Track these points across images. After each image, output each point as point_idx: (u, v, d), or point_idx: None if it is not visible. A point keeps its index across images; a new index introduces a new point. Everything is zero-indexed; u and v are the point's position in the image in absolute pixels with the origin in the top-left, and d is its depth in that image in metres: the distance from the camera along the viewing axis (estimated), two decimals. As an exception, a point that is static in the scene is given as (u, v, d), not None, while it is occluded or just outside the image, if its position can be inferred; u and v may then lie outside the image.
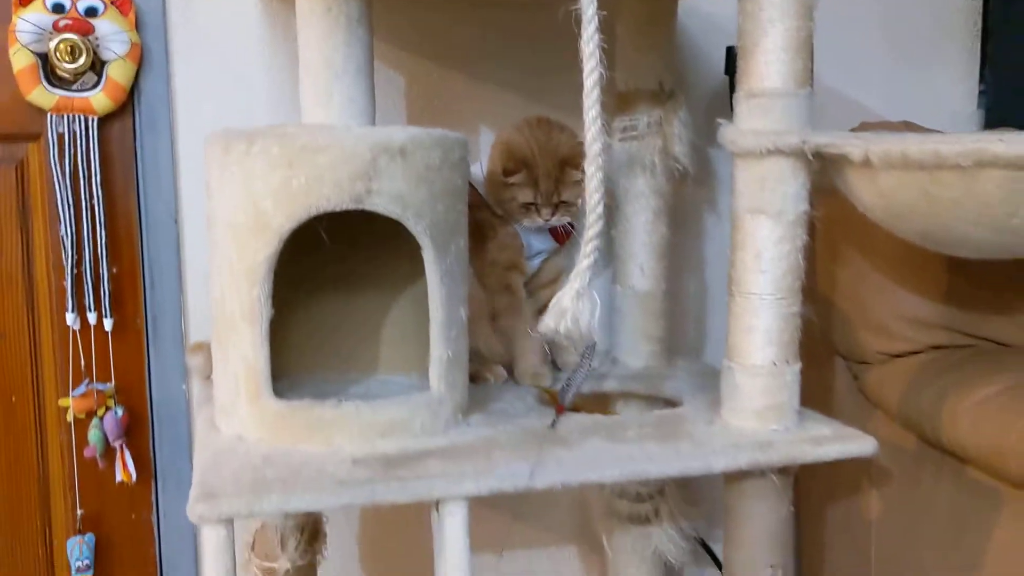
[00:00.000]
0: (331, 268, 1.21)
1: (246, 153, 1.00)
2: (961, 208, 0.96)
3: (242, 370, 1.04)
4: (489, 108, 1.46)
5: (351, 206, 1.00)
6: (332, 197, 0.99)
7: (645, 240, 1.37)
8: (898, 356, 1.35)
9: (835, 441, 1.07)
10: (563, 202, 1.25)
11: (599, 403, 1.30)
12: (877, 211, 1.04)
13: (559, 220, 1.26)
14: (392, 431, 1.05)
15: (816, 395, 1.53)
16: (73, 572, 1.35)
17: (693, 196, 1.56)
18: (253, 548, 1.15)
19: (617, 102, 1.38)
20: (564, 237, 1.31)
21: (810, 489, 1.61)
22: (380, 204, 1.01)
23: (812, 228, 1.50)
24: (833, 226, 1.45)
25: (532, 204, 1.24)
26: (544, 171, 1.24)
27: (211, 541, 0.89)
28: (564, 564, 1.60)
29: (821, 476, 1.55)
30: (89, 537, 1.36)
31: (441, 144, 1.05)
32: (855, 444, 1.07)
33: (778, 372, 1.08)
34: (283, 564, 1.14)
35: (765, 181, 1.05)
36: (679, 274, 1.55)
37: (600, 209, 1.01)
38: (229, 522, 0.90)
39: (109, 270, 1.32)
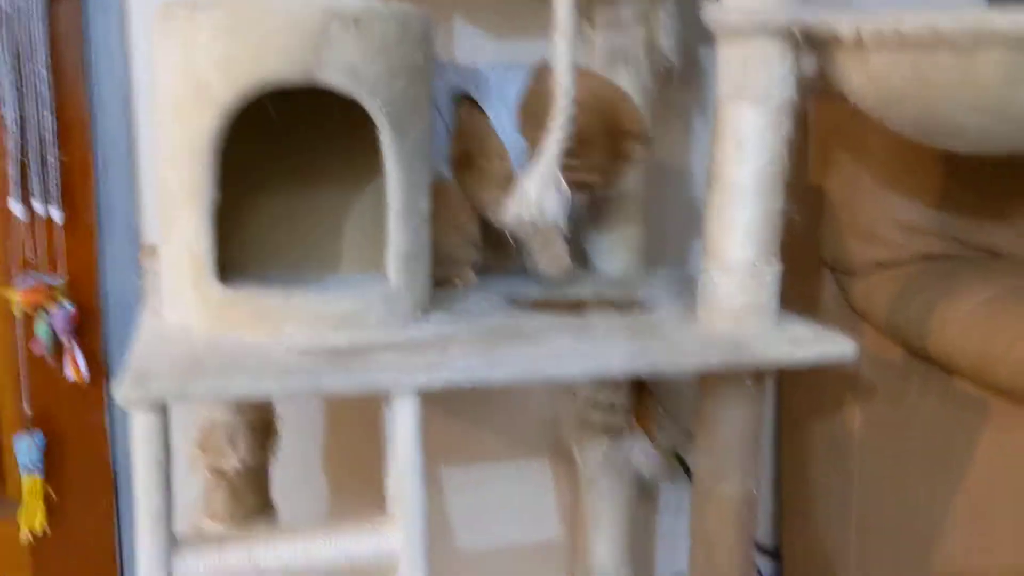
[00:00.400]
0: (292, 161, 1.15)
1: (188, 19, 0.93)
2: (957, 93, 0.89)
3: (186, 255, 0.98)
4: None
5: (301, 78, 0.92)
6: (280, 68, 0.92)
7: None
8: (887, 265, 1.29)
9: (814, 343, 1.01)
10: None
11: (571, 308, 1.24)
12: (868, 98, 0.97)
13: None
14: (345, 324, 0.99)
15: (802, 309, 1.47)
16: (22, 469, 1.30)
17: (680, 96, 1.47)
18: (202, 447, 1.10)
19: (598, -9, 1.29)
20: None
21: (793, 405, 1.56)
22: (332, 77, 0.93)
23: (804, 134, 1.44)
24: (825, 131, 1.38)
25: (588, 185, 1.12)
26: (604, 147, 1.11)
27: (140, 428, 0.83)
28: (535, 477, 1.56)
29: (804, 391, 1.51)
30: (38, 435, 1.31)
31: (399, 18, 0.97)
32: (835, 347, 1.01)
33: (757, 271, 1.02)
34: (232, 463, 1.09)
35: (749, 63, 0.97)
36: (662, 180, 1.48)
37: (570, 84, 0.94)
38: (160, 408, 0.84)
39: (58, 157, 1.25)
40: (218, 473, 1.09)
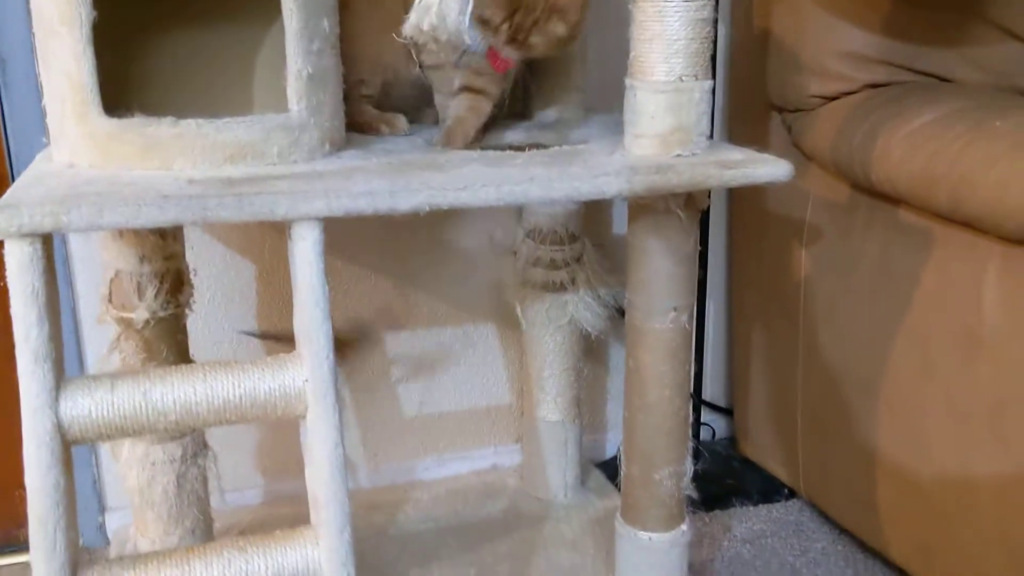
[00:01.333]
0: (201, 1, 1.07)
1: None
2: None
3: (66, 86, 0.90)
4: None
5: None
6: None
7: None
8: (833, 99, 1.22)
9: (744, 165, 0.95)
10: (526, 41, 1.01)
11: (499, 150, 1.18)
12: None
13: (509, 54, 1.03)
14: (243, 156, 0.93)
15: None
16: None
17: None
18: (110, 300, 1.05)
19: None
20: (502, 66, 1.07)
21: (742, 259, 1.52)
22: None
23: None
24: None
25: (487, 22, 0.98)
26: (526, 6, 0.99)
27: (13, 258, 0.78)
28: (480, 341, 1.52)
29: (753, 244, 1.46)
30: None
31: None
32: (767, 168, 0.96)
33: (685, 88, 0.95)
34: (141, 314, 1.03)
35: None
36: (604, 21, 1.39)
37: None
38: (35, 238, 0.78)
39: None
40: (126, 324, 1.03)
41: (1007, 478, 1.00)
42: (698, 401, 1.60)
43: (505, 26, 0.99)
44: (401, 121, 1.15)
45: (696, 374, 1.58)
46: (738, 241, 1.53)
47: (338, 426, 0.85)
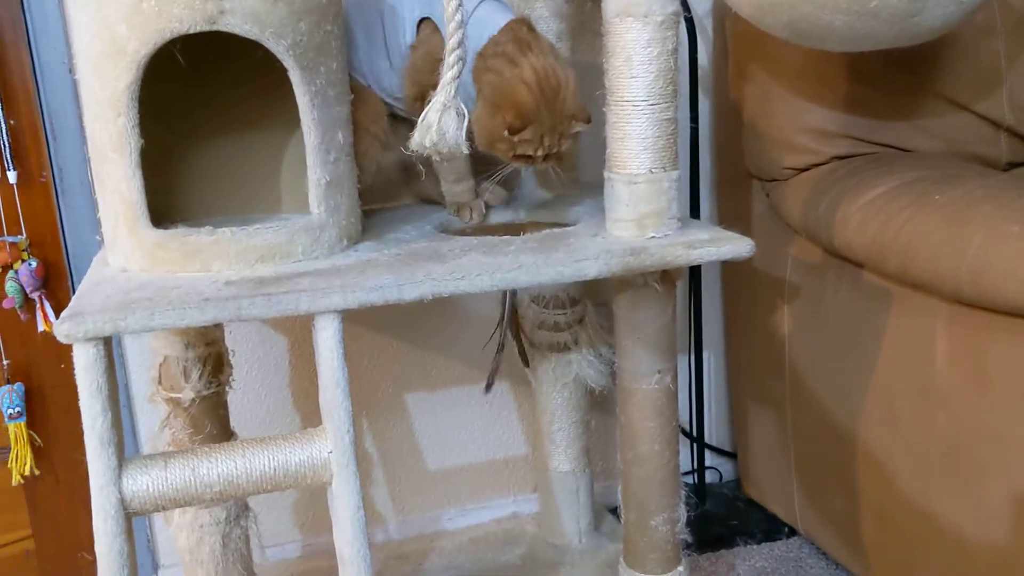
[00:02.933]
0: (232, 111, 1.21)
1: (97, -21, 0.99)
2: (820, -6, 0.94)
3: (119, 203, 1.05)
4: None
5: (205, 27, 0.98)
6: (185, 18, 0.98)
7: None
8: (804, 170, 1.35)
9: (710, 244, 1.07)
10: (558, 152, 1.17)
11: (504, 233, 1.31)
12: (744, 7, 1.02)
13: (546, 165, 1.19)
14: (271, 256, 1.07)
15: (736, 219, 1.54)
16: (6, 419, 1.39)
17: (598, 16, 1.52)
18: (160, 382, 1.19)
19: (511, -77, 1.33)
20: None
21: (736, 314, 1.63)
22: (235, 24, 0.99)
23: (724, 51, 1.49)
24: (741, 47, 1.43)
25: (530, 157, 1.15)
26: (550, 127, 1.13)
27: (80, 359, 0.92)
28: (496, 398, 1.64)
29: (744, 301, 1.58)
30: (18, 386, 1.40)
31: (299, -38, 1.03)
32: (730, 246, 1.08)
33: (655, 179, 1.08)
34: (188, 394, 1.17)
35: (631, -18, 1.02)
36: (591, 101, 1.53)
37: (459, 17, 0.99)
38: (98, 341, 0.92)
39: (7, 122, 1.32)
40: (175, 403, 1.17)
41: (963, 511, 1.10)
42: (702, 445, 1.71)
43: (541, 154, 1.14)
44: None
45: (698, 420, 1.69)
46: (730, 298, 1.65)
47: (359, 492, 0.98)
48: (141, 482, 0.95)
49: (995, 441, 1.05)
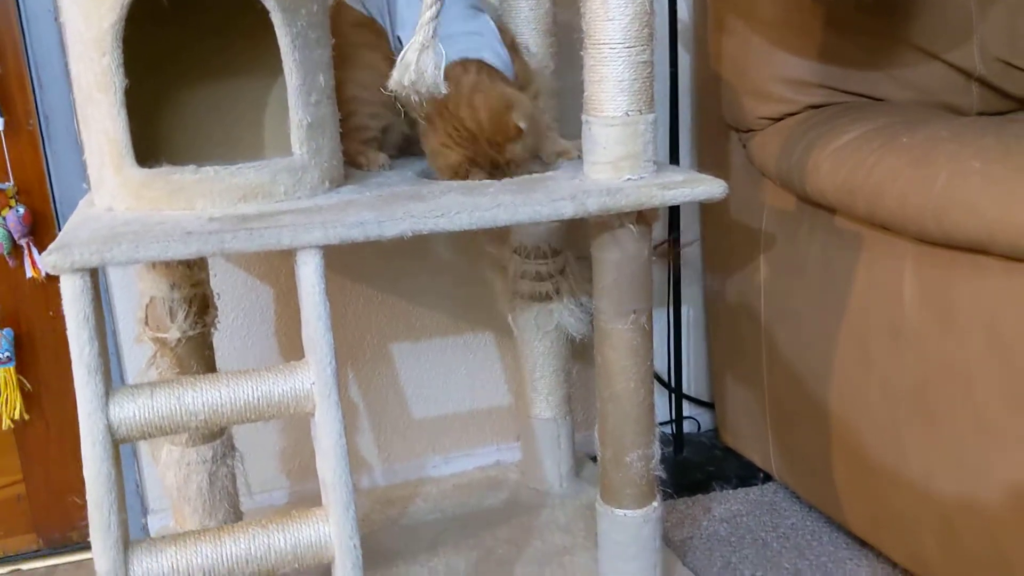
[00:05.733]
0: (213, 51, 1.23)
1: (83, -81, 1.00)
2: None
3: (104, 142, 1.07)
4: None
5: (188, -32, 1.01)
6: (168, -43, 1.00)
7: (528, 15, 1.37)
8: (778, 119, 1.37)
9: (684, 185, 1.10)
10: (509, 162, 1.19)
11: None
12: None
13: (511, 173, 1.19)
14: (254, 195, 1.09)
15: (715, 170, 1.57)
16: (-6, 364, 1.42)
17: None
18: (146, 322, 1.21)
19: None
20: None
21: (714, 266, 1.66)
22: (218, -36, 1.01)
23: (703, 2, 1.51)
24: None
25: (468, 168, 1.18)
26: (484, 149, 1.17)
27: (68, 290, 0.94)
28: (479, 348, 1.67)
29: (722, 253, 1.60)
30: (7, 331, 1.42)
31: (281, -98, 1.04)
32: (704, 187, 1.10)
33: (631, 121, 1.10)
34: (173, 334, 1.19)
35: (606, -75, 1.04)
36: (571, 55, 1.54)
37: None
38: (84, 272, 0.94)
39: (-6, 71, 1.34)
40: (161, 343, 1.20)
41: (931, 448, 1.14)
42: (680, 396, 1.74)
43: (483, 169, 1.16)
44: (380, 157, 1.29)
45: (677, 371, 1.73)
46: (708, 248, 1.67)
47: (341, 420, 1.01)
48: (128, 409, 0.97)
49: (961, 376, 1.09)
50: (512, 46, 1.28)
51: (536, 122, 1.20)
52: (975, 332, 1.06)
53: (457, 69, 1.17)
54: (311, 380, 1.01)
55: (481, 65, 1.20)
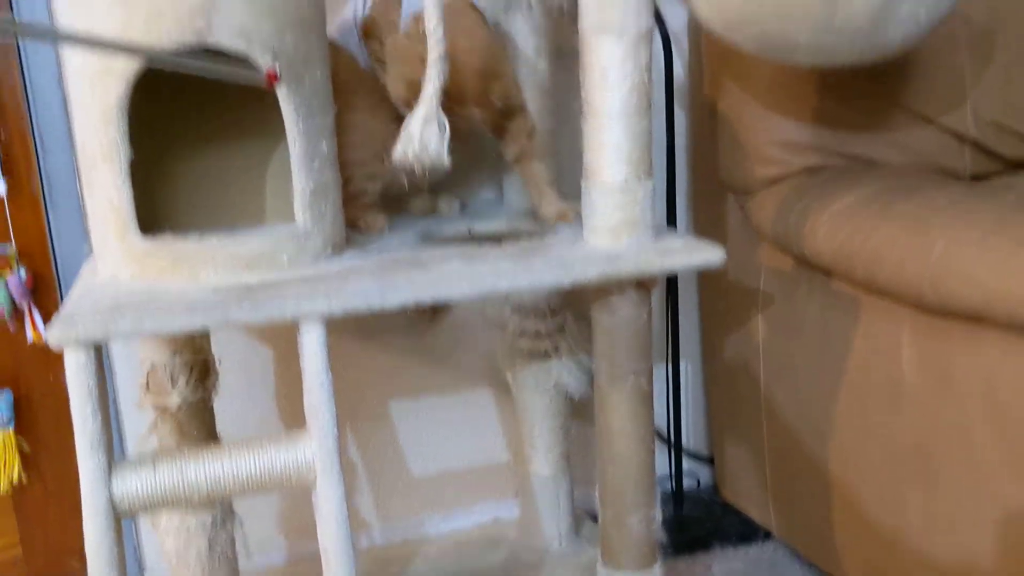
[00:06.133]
0: (215, 119, 1.24)
1: (88, -5, 1.02)
2: (785, 12, 0.99)
3: (108, 211, 1.08)
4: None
5: (195, 42, 1.02)
6: (173, 34, 1.01)
7: (526, 75, 1.39)
8: (775, 182, 1.39)
9: (683, 253, 1.11)
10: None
11: (479, 242, 1.34)
12: (715, 23, 1.06)
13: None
14: (257, 264, 1.09)
15: (711, 230, 1.58)
16: (-7, 427, 1.42)
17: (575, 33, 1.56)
18: (147, 388, 1.21)
19: (493, -59, 1.38)
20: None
21: (712, 322, 1.67)
22: (223, 39, 1.02)
23: (699, 64, 1.54)
24: (715, 60, 1.47)
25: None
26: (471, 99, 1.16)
27: (71, 364, 0.94)
28: (478, 406, 1.67)
29: (720, 310, 1.61)
30: (7, 393, 1.42)
31: (285, -22, 1.06)
32: (702, 255, 1.11)
33: (629, 188, 1.11)
34: (174, 400, 1.20)
35: (605, -2, 1.06)
36: (569, 114, 1.57)
37: (440, 32, 1.03)
38: (88, 346, 0.95)
39: (-2, 135, 1.35)
40: (162, 409, 1.20)
41: (931, 510, 1.14)
42: (679, 451, 1.74)
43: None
44: (379, 222, 1.30)
45: (676, 426, 1.73)
46: (706, 307, 1.68)
47: (342, 491, 1.01)
48: (131, 483, 0.97)
49: (960, 441, 1.09)
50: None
51: (511, 99, 1.19)
52: (974, 398, 1.06)
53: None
54: (313, 451, 1.01)
55: (473, 8, 1.19)
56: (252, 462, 1.01)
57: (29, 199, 1.40)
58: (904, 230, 1.09)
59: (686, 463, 1.79)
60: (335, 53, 1.27)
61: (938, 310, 1.06)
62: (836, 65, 1.09)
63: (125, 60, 1.01)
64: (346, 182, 1.23)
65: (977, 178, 1.41)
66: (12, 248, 1.39)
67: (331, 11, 1.20)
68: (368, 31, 1.27)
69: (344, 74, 1.29)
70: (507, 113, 1.25)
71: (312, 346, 1.01)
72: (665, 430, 1.75)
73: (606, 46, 1.07)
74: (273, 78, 1.02)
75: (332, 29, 1.31)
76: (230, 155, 1.26)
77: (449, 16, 1.12)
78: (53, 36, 0.65)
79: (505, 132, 1.29)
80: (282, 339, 1.53)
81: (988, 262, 0.98)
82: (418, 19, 1.14)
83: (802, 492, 1.42)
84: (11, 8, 1.34)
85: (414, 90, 1.10)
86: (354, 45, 1.30)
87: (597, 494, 1.26)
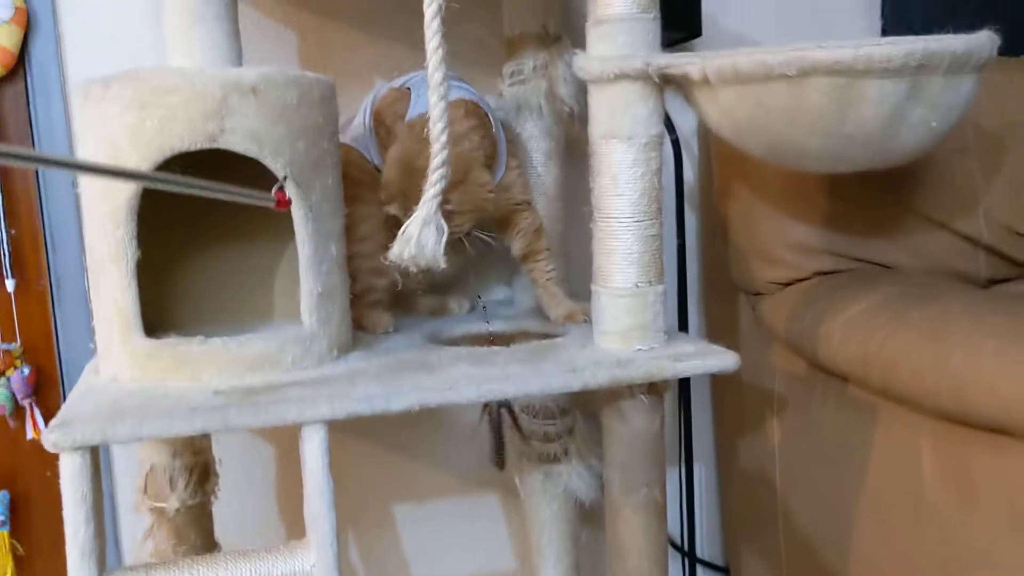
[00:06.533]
0: (225, 219, 1.24)
1: (102, 97, 1.03)
2: (795, 118, 0.98)
3: (113, 312, 1.07)
4: (383, 59, 1.48)
5: (205, 145, 1.02)
6: (185, 136, 1.02)
7: (537, 181, 1.39)
8: (787, 284, 1.37)
9: (696, 357, 1.09)
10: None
11: (488, 343, 1.32)
12: (724, 128, 1.06)
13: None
14: (261, 366, 1.08)
15: (724, 331, 1.56)
16: (-12, 528, 1.38)
17: (584, 136, 1.57)
18: (145, 491, 1.18)
19: (505, 48, 1.40)
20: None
21: (725, 427, 1.63)
22: (235, 143, 1.03)
23: (709, 167, 1.54)
24: (724, 164, 1.47)
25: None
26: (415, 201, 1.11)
27: (67, 469, 0.92)
28: (484, 510, 1.63)
29: (734, 413, 1.58)
30: (3, 494, 1.39)
31: (297, 83, 1.07)
32: (716, 360, 1.09)
33: (640, 293, 1.10)
34: (172, 504, 1.16)
35: (615, 106, 1.07)
36: (578, 214, 1.57)
37: (444, 138, 1.03)
38: (85, 450, 0.92)
39: (8, 231, 1.35)
40: (159, 513, 1.16)
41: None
42: (693, 560, 1.68)
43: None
44: (384, 321, 1.29)
45: (690, 533, 1.67)
46: (720, 410, 1.65)
47: (342, 605, 0.97)
48: (121, 595, 0.94)
49: (984, 557, 1.05)
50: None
51: (474, 198, 1.18)
52: (998, 511, 1.02)
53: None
54: (312, 562, 0.98)
55: (476, 111, 1.21)
56: (249, 573, 0.97)
57: (36, 296, 1.39)
58: (920, 338, 1.07)
59: (700, 573, 1.73)
60: (345, 151, 1.29)
61: (958, 419, 1.03)
62: (847, 171, 1.09)
63: (137, 158, 1.01)
64: (353, 279, 1.22)
65: (993, 283, 1.40)
66: (17, 345, 1.38)
67: (343, 110, 1.22)
68: (378, 120, 1.29)
69: (353, 171, 1.29)
70: (509, 210, 1.25)
71: (313, 451, 0.98)
72: (678, 537, 1.69)
73: (616, 152, 1.08)
74: (284, 201, 1.02)
75: (343, 129, 1.32)
76: (240, 254, 1.26)
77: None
78: (54, 163, 0.65)
79: (511, 228, 1.29)
80: (284, 437, 1.50)
81: (1009, 374, 0.96)
82: (424, 120, 1.15)
83: (821, 606, 1.36)
84: (28, 104, 1.36)
85: (403, 183, 1.13)
86: (362, 144, 1.31)
87: (607, 609, 1.21)
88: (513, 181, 1.28)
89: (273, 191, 1.02)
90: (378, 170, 1.28)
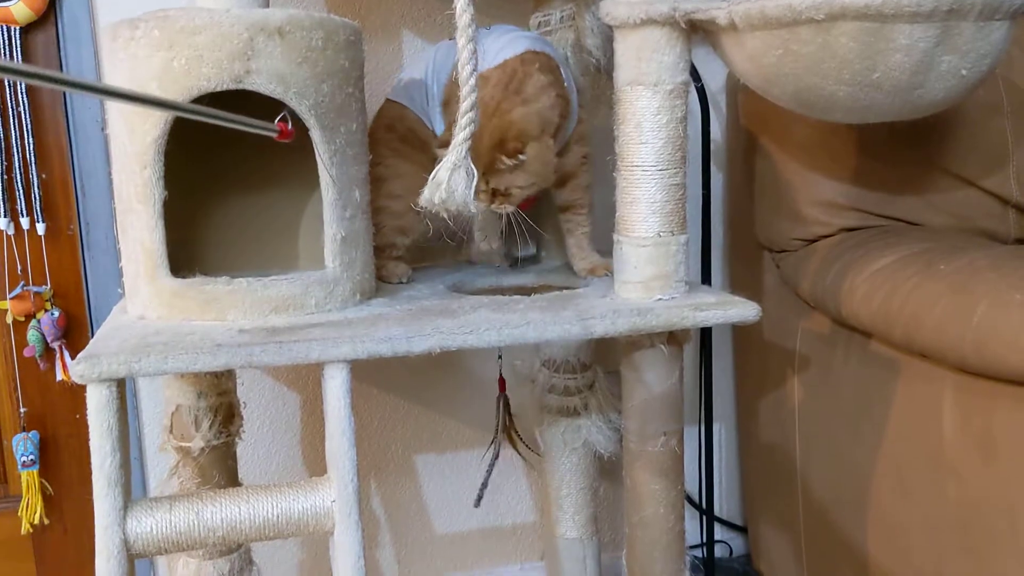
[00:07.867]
0: (252, 165, 1.25)
1: (130, 39, 1.04)
2: (822, 65, 0.97)
3: (140, 252, 1.08)
4: (412, 10, 1.48)
5: (231, 86, 1.03)
6: (212, 77, 1.03)
7: (562, 135, 1.39)
8: (812, 241, 1.36)
9: (717, 307, 1.09)
10: (496, 191, 1.17)
11: (515, 294, 1.33)
12: (751, 76, 1.06)
13: (498, 209, 1.19)
14: (285, 307, 1.09)
15: (747, 289, 1.55)
16: (19, 466, 1.41)
17: (610, 89, 1.56)
18: (171, 430, 1.20)
19: (533, -1, 1.39)
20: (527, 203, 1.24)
21: (746, 385, 1.63)
22: (260, 84, 1.04)
23: (736, 124, 1.53)
24: (752, 121, 1.46)
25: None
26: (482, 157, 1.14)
27: (93, 400, 0.94)
28: (505, 464, 1.64)
29: (755, 372, 1.58)
30: (33, 434, 1.42)
31: (323, 26, 1.07)
32: (736, 310, 1.09)
33: (663, 242, 1.10)
34: (197, 443, 1.18)
35: (641, 51, 1.06)
36: (603, 169, 1.56)
37: (473, 81, 1.03)
38: (112, 383, 0.94)
39: (39, 176, 1.37)
40: (185, 452, 1.18)
41: (975, 588, 1.09)
42: (711, 518, 1.69)
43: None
44: (401, 269, 1.31)
45: (708, 492, 1.68)
46: (741, 368, 1.65)
47: (360, 540, 0.98)
48: (145, 523, 0.96)
49: (1004, 511, 1.04)
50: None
51: (544, 165, 1.18)
52: (1019, 465, 1.02)
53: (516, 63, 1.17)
54: (332, 497, 0.99)
55: (549, 65, 1.20)
56: (270, 507, 0.99)
57: (66, 241, 1.41)
58: (944, 290, 1.06)
59: (718, 531, 1.74)
60: (399, 108, 1.29)
61: (981, 372, 1.02)
62: (875, 120, 1.08)
63: (165, 97, 1.02)
64: (377, 230, 1.23)
65: (1021, 242, 1.38)
66: (48, 288, 1.40)
67: (369, 60, 1.22)
68: (450, 91, 1.27)
69: (400, 126, 1.29)
70: (569, 169, 1.26)
71: (335, 391, 0.99)
72: (696, 495, 1.70)
73: (641, 98, 1.07)
74: (286, 132, 1.03)
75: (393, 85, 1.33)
76: (267, 200, 1.27)
77: (510, 76, 1.16)
78: (71, 84, 0.65)
79: (570, 180, 1.29)
80: (309, 384, 1.52)
81: (1033, 325, 0.95)
82: (483, 76, 1.16)
83: (840, 562, 1.36)
84: (58, 49, 1.37)
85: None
86: (419, 106, 1.30)
87: (624, 559, 1.22)
88: (583, 133, 1.29)
89: (275, 121, 1.03)
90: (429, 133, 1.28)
